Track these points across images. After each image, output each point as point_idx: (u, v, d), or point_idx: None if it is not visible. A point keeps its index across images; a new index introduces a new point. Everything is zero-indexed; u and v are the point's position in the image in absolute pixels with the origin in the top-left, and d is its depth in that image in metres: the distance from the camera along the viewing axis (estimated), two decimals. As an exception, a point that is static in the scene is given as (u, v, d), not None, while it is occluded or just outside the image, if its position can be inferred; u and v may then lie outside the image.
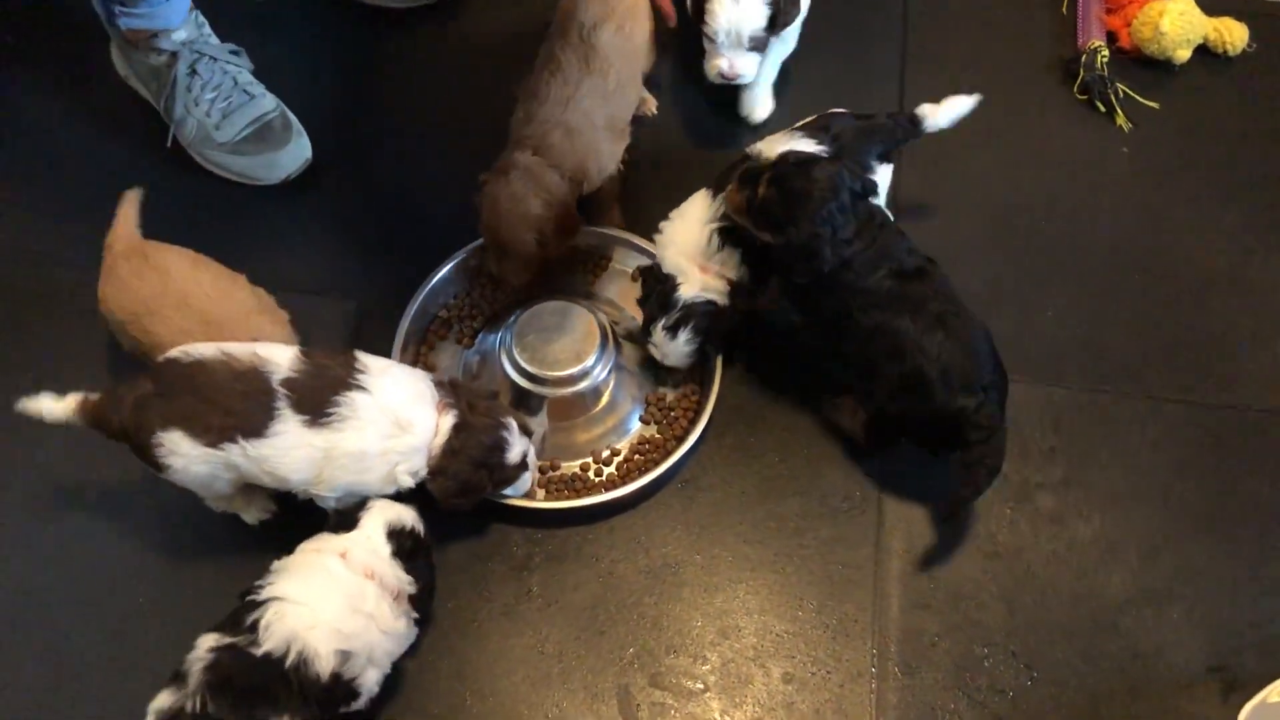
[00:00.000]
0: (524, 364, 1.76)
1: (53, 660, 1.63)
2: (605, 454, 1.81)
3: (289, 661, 1.37)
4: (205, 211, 2.05)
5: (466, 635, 1.65)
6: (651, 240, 1.84)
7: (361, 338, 1.89)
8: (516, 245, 1.77)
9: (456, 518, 1.67)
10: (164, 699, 1.37)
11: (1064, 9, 2.28)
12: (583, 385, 1.78)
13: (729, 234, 1.72)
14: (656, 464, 1.76)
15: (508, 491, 1.67)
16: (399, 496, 1.57)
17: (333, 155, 2.11)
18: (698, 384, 1.85)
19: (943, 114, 1.82)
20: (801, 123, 1.82)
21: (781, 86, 2.10)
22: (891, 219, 1.71)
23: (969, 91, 1.84)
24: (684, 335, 1.73)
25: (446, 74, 2.23)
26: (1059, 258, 2.00)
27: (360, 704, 1.49)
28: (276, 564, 1.48)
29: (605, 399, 1.81)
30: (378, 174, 2.11)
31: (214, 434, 1.48)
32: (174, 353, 1.51)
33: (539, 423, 1.78)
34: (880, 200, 1.83)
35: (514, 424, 1.62)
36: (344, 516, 1.52)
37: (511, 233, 1.76)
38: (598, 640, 1.65)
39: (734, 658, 1.64)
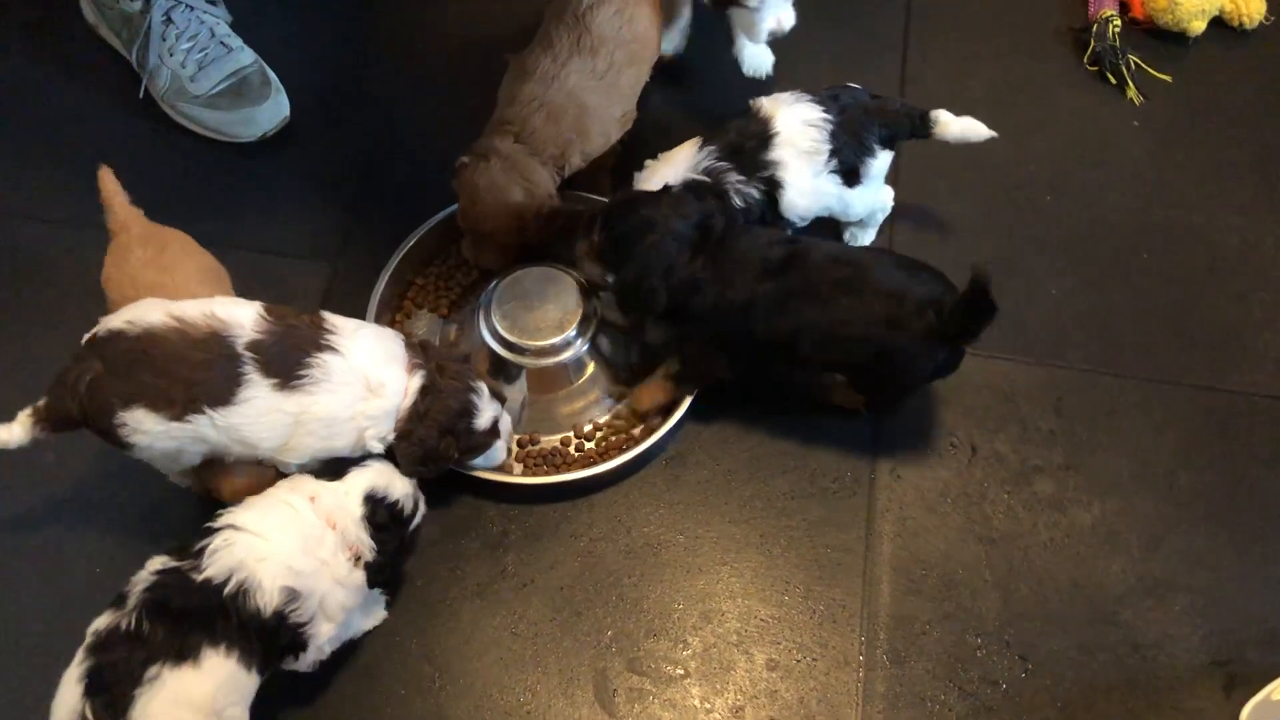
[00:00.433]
0: (504, 332, 1.69)
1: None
2: (587, 428, 1.74)
3: (228, 589, 1.31)
4: (176, 167, 1.98)
5: (437, 614, 1.59)
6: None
7: (334, 303, 1.82)
8: (496, 235, 1.71)
9: (429, 490, 1.60)
10: (104, 619, 1.30)
11: (1075, -24, 2.21)
12: (565, 356, 1.70)
13: (702, 192, 1.66)
14: (640, 440, 1.68)
15: (478, 461, 1.60)
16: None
17: (312, 114, 2.04)
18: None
19: (957, 128, 1.75)
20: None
21: (782, 52, 2.02)
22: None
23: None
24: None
25: (433, 36, 2.16)
26: (1064, 233, 1.93)
27: (308, 661, 1.42)
28: (250, 497, 1.43)
29: (589, 371, 1.74)
30: (357, 135, 2.04)
31: (178, 407, 1.38)
32: (116, 324, 1.40)
33: (518, 390, 1.70)
34: (878, 184, 1.77)
35: (484, 389, 1.55)
36: (338, 465, 1.46)
37: (492, 223, 1.70)
38: (574, 622, 1.58)
39: (716, 643, 1.57)
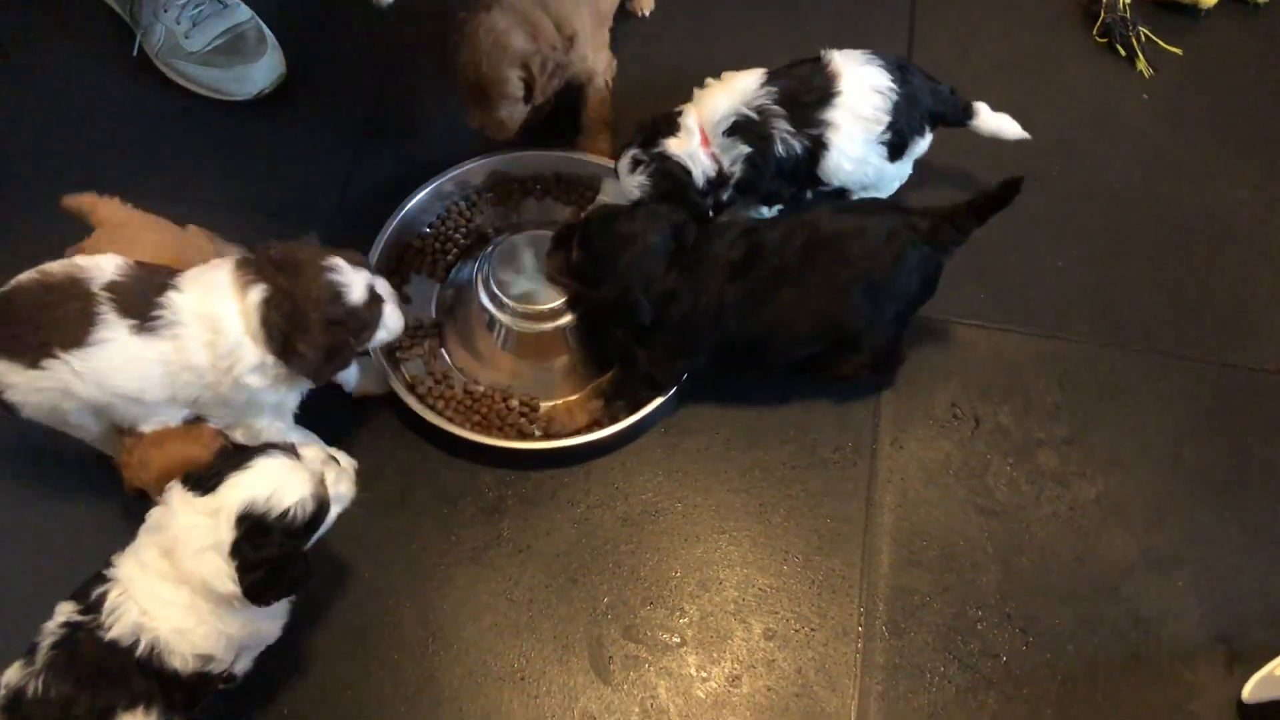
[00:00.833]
0: (504, 297, 1.66)
1: None
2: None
3: (139, 651, 1.23)
4: (170, 126, 1.95)
5: (431, 579, 1.56)
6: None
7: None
8: (499, 87, 1.64)
9: (423, 457, 1.58)
10: (14, 673, 1.23)
11: (1086, -53, 2.18)
12: (564, 320, 1.67)
13: (748, 130, 1.63)
14: (638, 407, 1.66)
15: (381, 335, 1.49)
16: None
17: (308, 73, 2.01)
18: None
19: (994, 123, 1.75)
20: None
21: (789, 12, 1.99)
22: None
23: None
24: (639, 179, 1.65)
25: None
26: (1071, 206, 1.90)
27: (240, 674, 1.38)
28: (152, 515, 1.30)
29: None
30: (354, 95, 2.01)
31: (31, 353, 1.33)
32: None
33: None
34: (908, 169, 1.76)
35: (342, 262, 1.42)
36: (224, 463, 1.28)
37: (494, 71, 1.63)
38: (570, 589, 1.56)
39: (713, 611, 1.55)
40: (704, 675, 1.51)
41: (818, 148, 1.65)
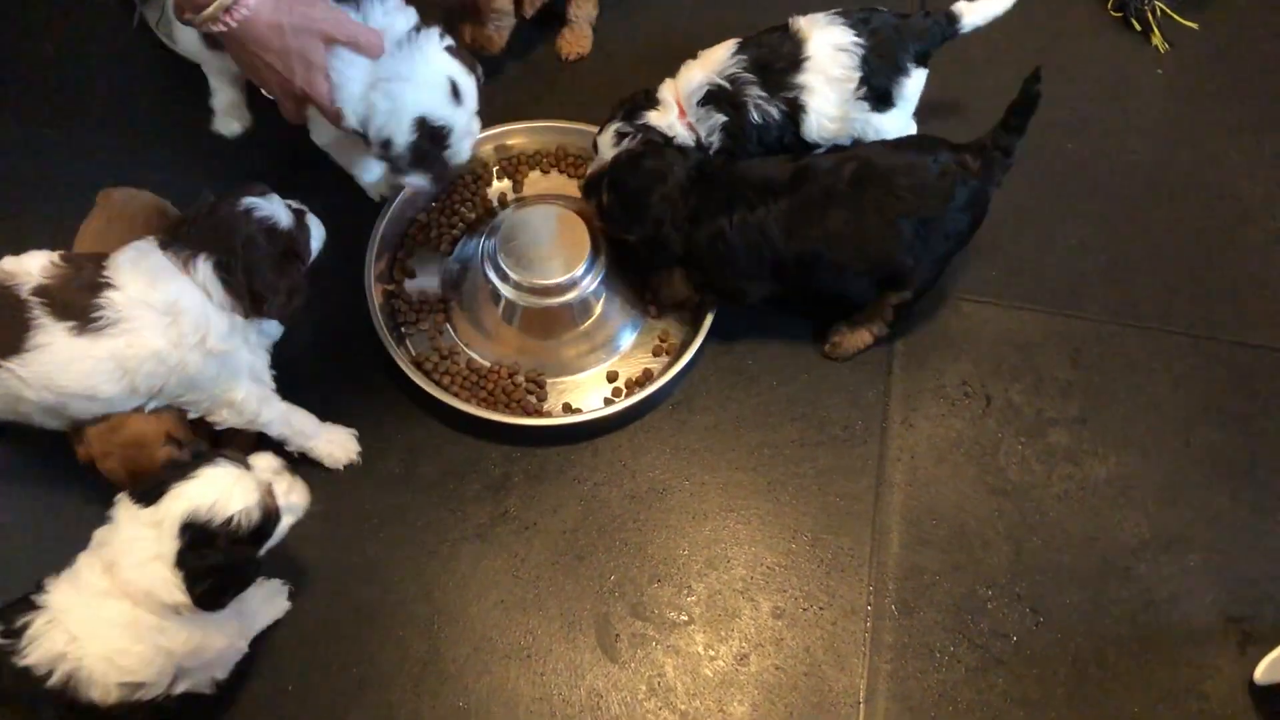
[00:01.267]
0: (509, 270, 1.64)
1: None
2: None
3: (52, 681, 1.20)
4: (171, 99, 1.91)
5: (436, 555, 1.55)
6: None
7: (332, 238, 1.75)
8: (490, 1, 1.65)
9: (429, 432, 1.57)
10: None
11: (1101, -82, 2.14)
12: (571, 296, 1.65)
13: (721, 99, 1.65)
14: (646, 384, 1.64)
15: (315, 244, 1.51)
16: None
17: (312, 44, 1.97)
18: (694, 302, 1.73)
19: (979, 11, 1.70)
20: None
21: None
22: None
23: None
24: (623, 145, 1.66)
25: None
26: (1085, 182, 1.87)
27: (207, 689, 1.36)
28: (97, 535, 1.28)
29: (595, 313, 1.69)
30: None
31: None
32: None
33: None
34: (911, 108, 1.73)
35: (254, 198, 1.43)
36: (170, 474, 1.26)
37: None
38: (576, 566, 1.55)
39: (721, 589, 1.54)
40: (712, 654, 1.49)
41: (795, 111, 1.65)
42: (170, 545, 1.22)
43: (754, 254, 1.57)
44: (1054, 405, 1.67)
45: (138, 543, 1.23)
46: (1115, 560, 1.56)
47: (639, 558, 1.55)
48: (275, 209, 1.44)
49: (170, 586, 1.22)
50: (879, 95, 1.66)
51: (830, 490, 1.60)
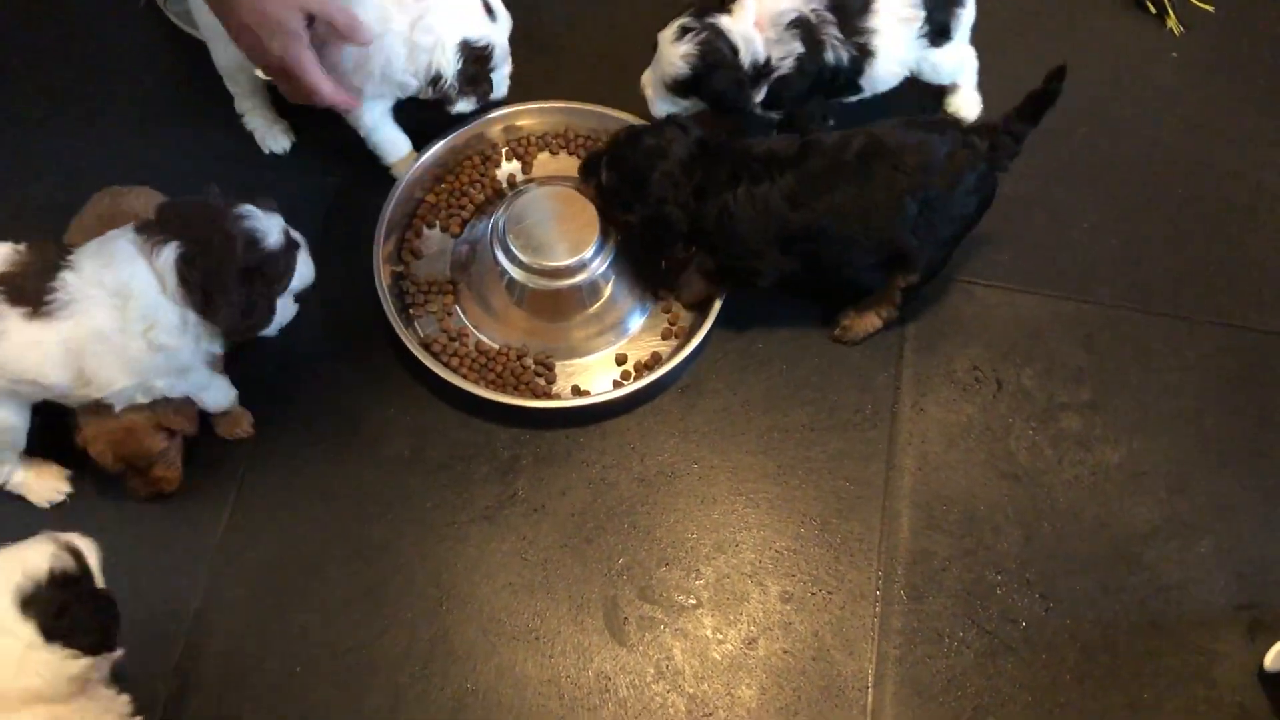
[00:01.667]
0: (518, 252, 1.63)
1: None
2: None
3: None
4: (179, 77, 1.91)
5: (445, 538, 1.55)
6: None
7: (339, 220, 1.76)
8: None
9: (437, 422, 1.56)
10: None
11: (1117, -101, 2.12)
12: (580, 278, 1.65)
13: (806, 28, 1.60)
14: (655, 367, 1.63)
15: (296, 283, 1.47)
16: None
17: (320, 23, 1.95)
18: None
19: None
20: None
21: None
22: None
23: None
24: (685, 47, 1.60)
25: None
26: (1097, 166, 1.86)
27: None
28: None
29: (604, 295, 1.68)
30: (368, 46, 1.96)
31: None
32: None
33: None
34: (967, 38, 1.72)
35: (251, 208, 1.40)
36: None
37: None
38: (585, 549, 1.54)
39: (730, 573, 1.53)
40: (720, 637, 1.49)
41: (864, 55, 1.63)
42: (22, 626, 1.15)
43: (760, 226, 1.55)
44: (1065, 390, 1.66)
45: None
46: (1125, 546, 1.56)
47: (647, 541, 1.55)
48: (268, 226, 1.40)
49: (53, 661, 1.17)
50: (939, 29, 1.65)
51: (840, 474, 1.60)
